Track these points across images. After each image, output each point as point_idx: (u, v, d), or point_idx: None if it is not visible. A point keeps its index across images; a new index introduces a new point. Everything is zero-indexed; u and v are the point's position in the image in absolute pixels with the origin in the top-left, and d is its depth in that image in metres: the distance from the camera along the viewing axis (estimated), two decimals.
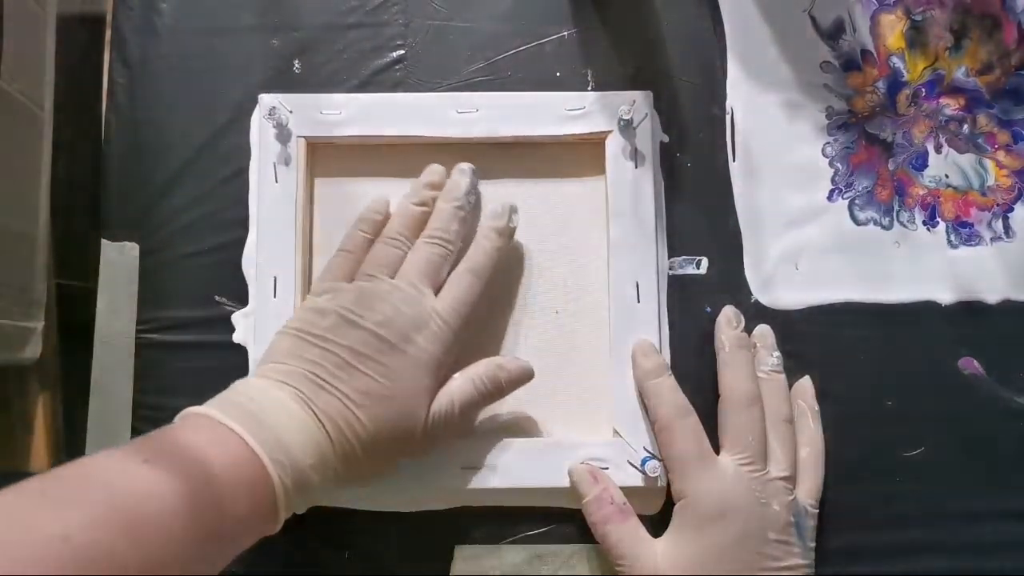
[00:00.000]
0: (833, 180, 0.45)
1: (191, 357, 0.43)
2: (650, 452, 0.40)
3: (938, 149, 0.45)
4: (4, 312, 0.46)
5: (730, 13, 0.46)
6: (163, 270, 0.44)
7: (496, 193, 0.44)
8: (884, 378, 0.43)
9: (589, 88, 0.45)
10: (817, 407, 0.42)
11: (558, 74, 0.46)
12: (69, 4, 0.57)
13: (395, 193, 0.43)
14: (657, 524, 0.40)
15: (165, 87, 0.46)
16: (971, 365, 0.43)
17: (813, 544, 0.39)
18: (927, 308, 0.44)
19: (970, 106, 0.46)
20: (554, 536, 0.41)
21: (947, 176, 0.45)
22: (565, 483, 0.40)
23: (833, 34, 0.46)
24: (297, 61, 0.46)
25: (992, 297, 0.44)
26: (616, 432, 0.41)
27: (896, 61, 0.46)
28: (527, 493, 0.41)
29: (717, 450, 0.40)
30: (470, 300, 0.40)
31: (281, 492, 0.33)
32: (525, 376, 0.40)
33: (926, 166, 0.45)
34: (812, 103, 0.46)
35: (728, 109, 0.46)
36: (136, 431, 0.42)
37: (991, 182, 0.45)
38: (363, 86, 0.45)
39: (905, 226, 0.45)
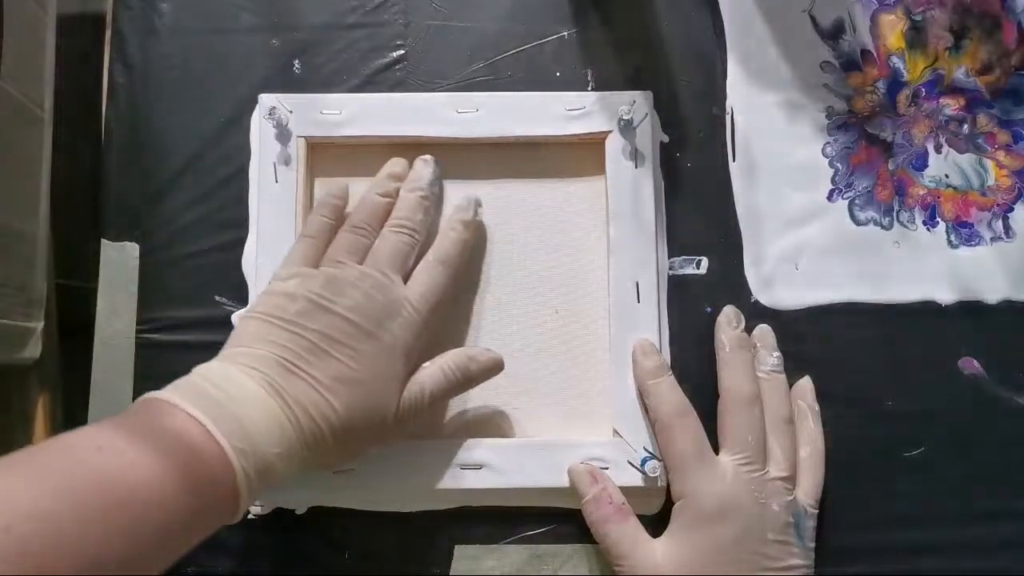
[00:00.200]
0: (833, 180, 0.45)
1: (191, 357, 0.42)
2: (650, 452, 0.40)
3: (938, 149, 0.45)
4: (4, 312, 0.46)
5: (730, 13, 0.46)
6: (163, 270, 0.44)
7: (496, 193, 0.44)
8: (884, 378, 0.43)
9: (589, 88, 0.45)
10: (817, 407, 0.42)
11: (558, 74, 0.46)
12: (69, 4, 0.57)
13: None
14: (657, 524, 0.40)
15: (165, 87, 0.46)
16: (971, 365, 0.43)
17: (812, 544, 0.39)
18: (927, 308, 0.44)
19: (970, 106, 0.46)
20: (554, 536, 0.41)
21: (947, 176, 0.45)
22: (565, 483, 0.40)
23: (833, 34, 0.46)
24: (297, 61, 0.46)
25: (992, 297, 0.44)
26: (616, 432, 0.41)
27: (896, 61, 0.46)
28: (527, 493, 0.41)
29: (717, 450, 0.40)
30: (440, 290, 0.40)
31: (244, 483, 0.31)
32: (495, 368, 0.40)
33: (926, 166, 0.45)
34: (812, 103, 0.46)
35: (728, 109, 0.46)
36: None
37: (991, 182, 0.45)
38: (363, 86, 0.45)
39: (905, 226, 0.45)
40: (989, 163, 0.45)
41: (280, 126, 0.43)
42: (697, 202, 0.45)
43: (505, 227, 0.44)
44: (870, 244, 0.44)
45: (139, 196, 0.45)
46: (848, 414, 0.42)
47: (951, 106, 0.46)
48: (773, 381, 0.41)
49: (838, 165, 0.45)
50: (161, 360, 0.43)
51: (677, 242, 0.44)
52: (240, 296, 0.43)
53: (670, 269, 0.44)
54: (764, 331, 0.42)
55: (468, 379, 0.39)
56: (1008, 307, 0.44)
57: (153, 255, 0.44)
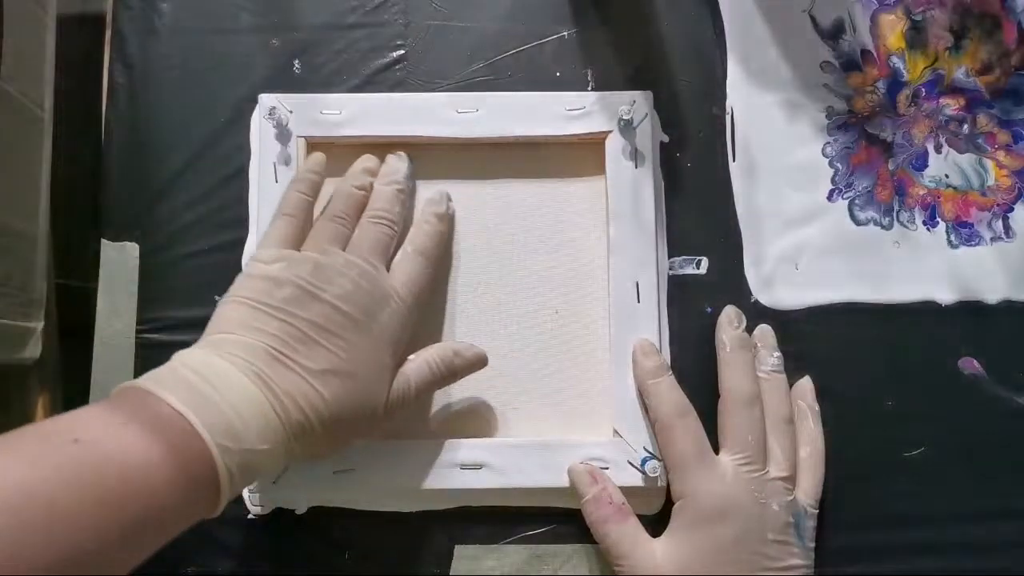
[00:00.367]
0: (833, 180, 0.45)
1: None
2: (650, 452, 0.40)
3: (938, 149, 0.45)
4: (4, 312, 0.46)
5: (730, 13, 0.46)
6: (163, 270, 0.44)
7: (497, 193, 0.44)
8: (884, 378, 0.43)
9: (589, 88, 0.45)
10: (817, 407, 0.42)
11: (558, 74, 0.46)
12: (69, 4, 0.57)
13: None
14: (657, 524, 0.40)
15: (165, 87, 0.46)
16: (971, 365, 0.43)
17: (812, 544, 0.39)
18: (927, 308, 0.44)
19: (970, 106, 0.46)
20: (554, 536, 0.41)
21: (947, 176, 0.45)
22: (565, 483, 0.40)
23: (833, 34, 0.46)
24: (297, 61, 0.46)
25: (992, 297, 0.44)
26: (616, 432, 0.41)
27: (896, 61, 0.46)
28: (527, 493, 0.41)
29: (717, 450, 0.40)
30: (423, 280, 0.40)
31: (226, 479, 0.30)
32: (479, 363, 0.40)
33: (926, 166, 0.45)
34: (812, 103, 0.46)
35: (728, 109, 0.46)
36: None
37: (991, 182, 0.45)
38: (363, 86, 0.45)
39: (905, 226, 0.45)
40: (989, 163, 0.45)
41: (280, 126, 0.43)
42: (697, 202, 0.45)
43: (505, 227, 0.44)
44: (870, 244, 0.44)
45: (139, 196, 0.45)
46: (848, 414, 0.42)
47: (951, 106, 0.46)
48: (773, 381, 0.41)
49: (838, 165, 0.45)
50: (161, 360, 0.42)
51: (677, 242, 0.44)
52: None
53: (670, 269, 0.44)
54: (764, 331, 0.42)
55: (452, 373, 0.39)
56: (1008, 307, 0.44)
57: (153, 255, 0.44)
